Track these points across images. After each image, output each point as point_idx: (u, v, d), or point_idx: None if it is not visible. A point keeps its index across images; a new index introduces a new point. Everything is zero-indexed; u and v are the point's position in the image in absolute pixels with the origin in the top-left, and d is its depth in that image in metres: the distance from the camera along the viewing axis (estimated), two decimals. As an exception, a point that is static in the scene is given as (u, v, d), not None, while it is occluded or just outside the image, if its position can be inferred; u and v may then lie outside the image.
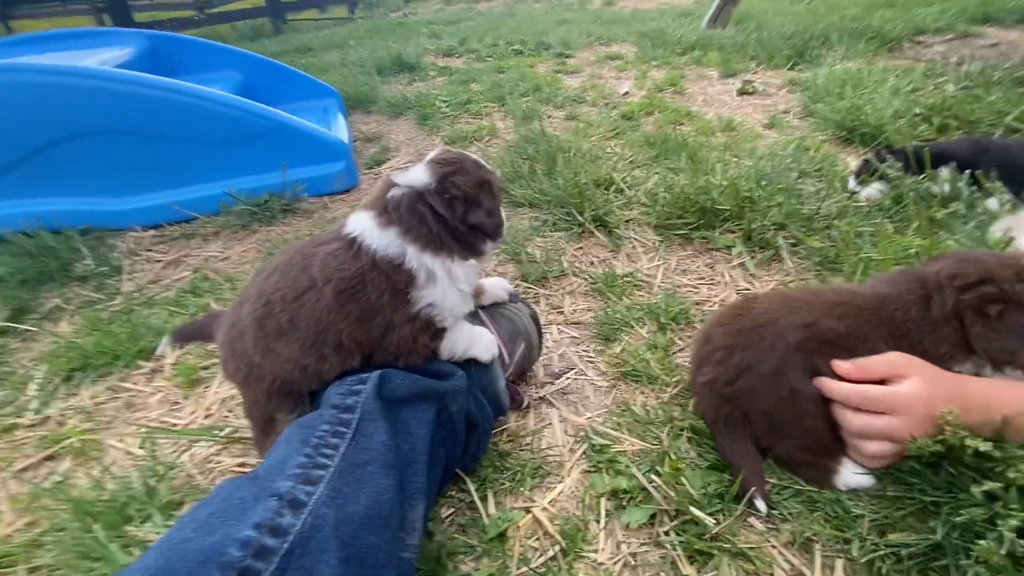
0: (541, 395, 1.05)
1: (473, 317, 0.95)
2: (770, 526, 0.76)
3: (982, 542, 0.59)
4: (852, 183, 1.63)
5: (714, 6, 4.29)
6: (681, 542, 0.74)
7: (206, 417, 1.06)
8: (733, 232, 1.49)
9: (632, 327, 1.19)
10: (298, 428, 0.67)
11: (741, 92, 2.90)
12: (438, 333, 0.79)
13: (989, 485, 0.66)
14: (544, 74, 3.45)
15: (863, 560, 0.70)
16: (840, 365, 0.76)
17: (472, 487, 0.83)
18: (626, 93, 3.00)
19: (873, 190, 1.55)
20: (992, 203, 1.34)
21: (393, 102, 2.94)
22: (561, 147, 1.96)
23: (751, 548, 0.73)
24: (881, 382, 0.75)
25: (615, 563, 0.74)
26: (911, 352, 0.77)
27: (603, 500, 0.82)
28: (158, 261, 1.65)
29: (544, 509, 0.81)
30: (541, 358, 1.14)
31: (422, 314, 0.75)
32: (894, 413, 0.72)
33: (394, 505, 0.61)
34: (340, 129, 2.36)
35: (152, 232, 1.81)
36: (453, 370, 0.81)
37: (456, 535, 0.79)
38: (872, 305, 0.81)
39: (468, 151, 0.86)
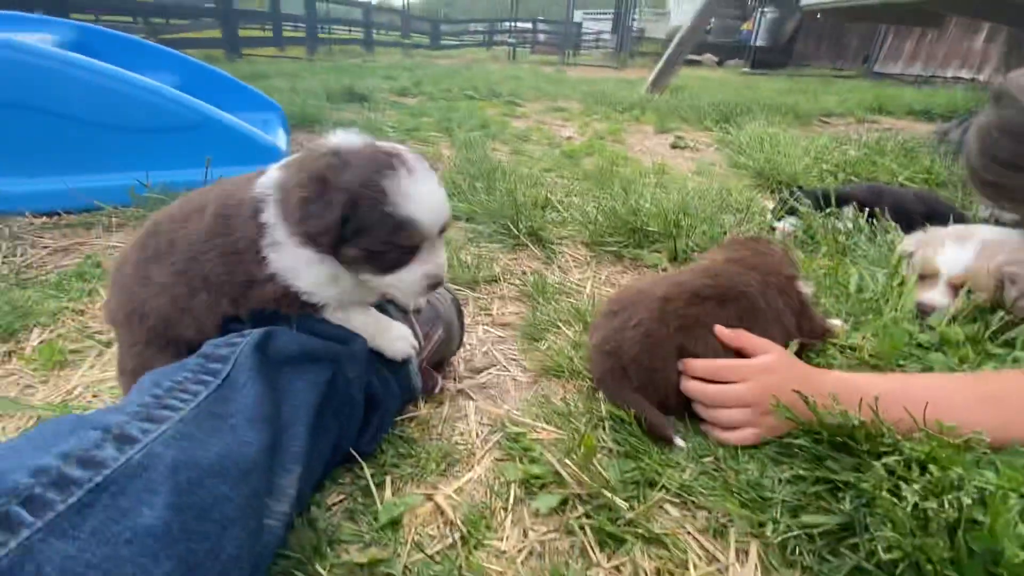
0: (460, 388, 0.98)
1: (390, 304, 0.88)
2: (686, 512, 0.72)
3: (885, 494, 0.58)
4: (771, 219, 1.74)
5: (654, 73, 4.69)
6: (592, 527, 0.68)
7: (63, 401, 0.90)
8: (660, 252, 1.53)
9: (559, 328, 1.16)
10: (154, 373, 0.57)
11: (674, 146, 3.12)
12: (308, 307, 0.70)
13: (888, 459, 0.66)
14: (493, 115, 3.58)
15: (777, 541, 0.66)
16: (721, 329, 0.83)
17: (368, 472, 0.74)
18: (569, 137, 3.15)
19: (787, 224, 1.66)
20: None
21: (339, 123, 2.92)
22: (502, 168, 1.99)
23: (666, 534, 0.68)
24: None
25: (520, 551, 0.66)
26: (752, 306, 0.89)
27: (513, 487, 0.75)
28: (45, 247, 1.48)
29: (448, 496, 0.73)
30: (463, 353, 1.08)
31: (278, 279, 0.66)
32: (741, 380, 0.78)
33: (259, 463, 0.52)
34: (279, 139, 2.29)
35: (44, 219, 1.63)
36: (353, 335, 0.73)
37: (344, 522, 0.68)
38: (733, 272, 0.94)
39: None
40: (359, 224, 0.63)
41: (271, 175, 0.69)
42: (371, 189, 0.63)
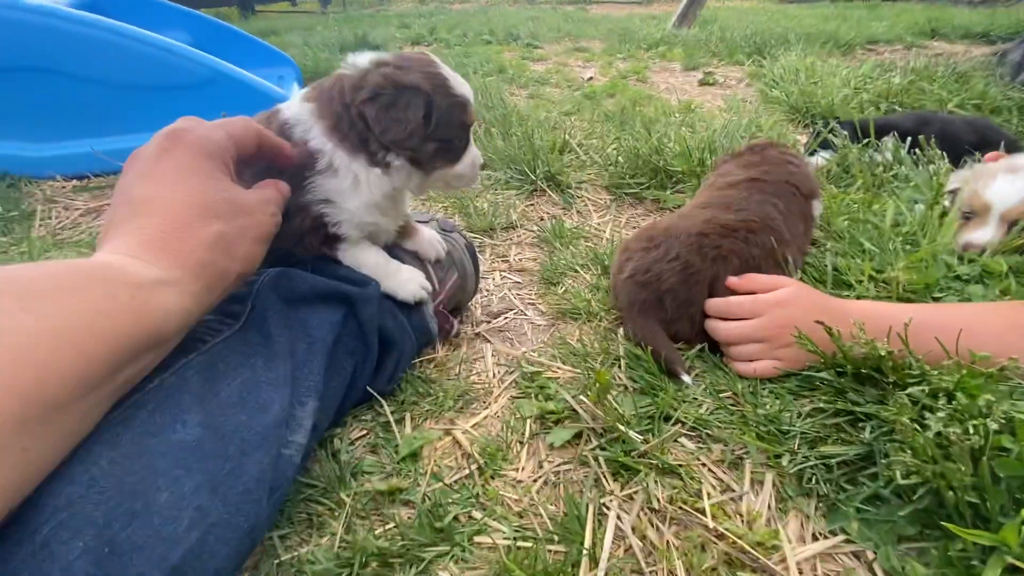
0: (477, 332, 0.99)
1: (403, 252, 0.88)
2: (701, 445, 0.72)
3: (906, 419, 0.56)
4: (803, 153, 1.65)
5: (681, 6, 4.39)
6: (606, 458, 0.69)
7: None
8: (683, 193, 1.48)
9: (576, 272, 1.15)
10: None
11: (703, 83, 2.94)
12: (330, 240, 0.71)
13: (913, 390, 0.63)
14: (511, 59, 3.44)
15: (793, 471, 0.66)
16: (731, 279, 0.84)
17: (388, 409, 0.77)
18: (590, 78, 3.01)
19: (819, 157, 1.57)
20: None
21: (353, 75, 2.86)
22: (518, 112, 1.93)
23: (680, 465, 0.69)
24: None
25: (535, 480, 0.68)
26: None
27: (529, 422, 0.76)
28: (77, 209, 1.53)
29: (465, 432, 0.75)
30: (480, 299, 1.09)
31: (312, 209, 0.68)
32: (755, 315, 0.78)
33: (275, 396, 0.54)
34: (293, 94, 2.26)
35: (75, 182, 1.68)
36: (367, 279, 0.74)
37: (366, 455, 0.72)
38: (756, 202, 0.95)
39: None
40: (438, 116, 0.68)
41: (298, 107, 0.69)
42: (436, 80, 0.68)
